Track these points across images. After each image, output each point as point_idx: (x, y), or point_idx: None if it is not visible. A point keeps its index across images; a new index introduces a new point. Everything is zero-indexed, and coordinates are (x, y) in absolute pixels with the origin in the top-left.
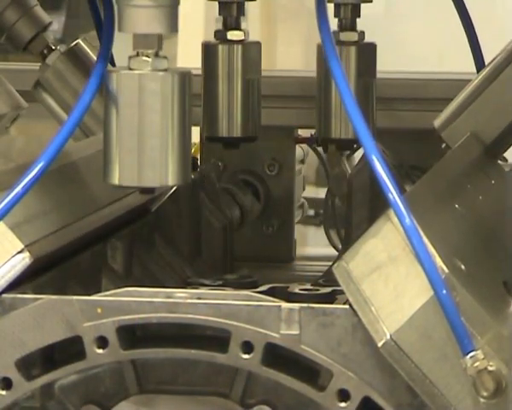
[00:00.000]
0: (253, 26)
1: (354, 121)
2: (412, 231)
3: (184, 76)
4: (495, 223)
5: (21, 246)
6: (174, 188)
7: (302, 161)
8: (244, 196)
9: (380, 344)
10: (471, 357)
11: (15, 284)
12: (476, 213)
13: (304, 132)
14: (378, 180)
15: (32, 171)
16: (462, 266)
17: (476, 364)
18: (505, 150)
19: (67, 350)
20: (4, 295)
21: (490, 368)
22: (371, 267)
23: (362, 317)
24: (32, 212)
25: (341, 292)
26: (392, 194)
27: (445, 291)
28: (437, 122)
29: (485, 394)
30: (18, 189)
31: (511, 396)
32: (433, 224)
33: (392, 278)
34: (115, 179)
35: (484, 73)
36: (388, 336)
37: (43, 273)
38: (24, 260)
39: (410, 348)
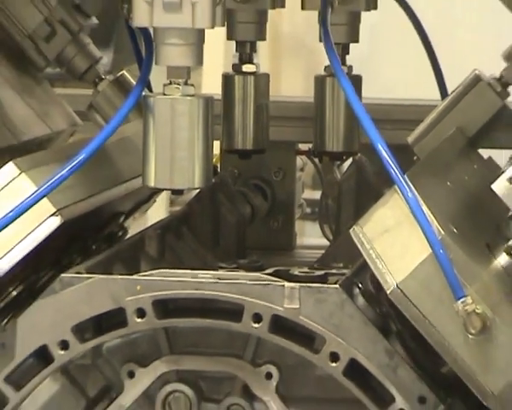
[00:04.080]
0: (262, 60)
1: (362, 120)
2: (414, 202)
3: (208, 100)
4: (478, 197)
5: (54, 210)
6: (198, 190)
7: (302, 169)
8: (255, 197)
9: (388, 291)
10: (462, 302)
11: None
12: (464, 189)
13: (303, 146)
14: (384, 163)
15: (75, 160)
16: (455, 230)
17: (466, 307)
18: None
19: (113, 319)
20: (63, 275)
21: (477, 311)
22: (381, 230)
23: (374, 270)
24: (64, 183)
25: (333, 274)
26: (397, 173)
27: (441, 250)
28: (410, 139)
29: (473, 331)
30: (63, 172)
31: (494, 334)
32: (431, 196)
33: (398, 239)
34: (152, 182)
35: (447, 100)
36: (395, 285)
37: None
38: (56, 221)
39: (413, 295)
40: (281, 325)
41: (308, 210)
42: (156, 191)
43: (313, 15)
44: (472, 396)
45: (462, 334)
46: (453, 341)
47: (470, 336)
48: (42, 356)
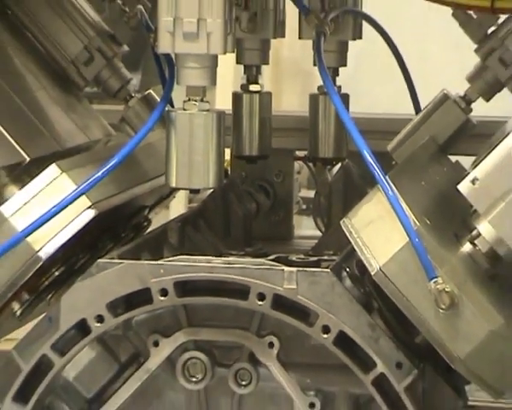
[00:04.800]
0: (266, 81)
1: (351, 130)
2: (393, 198)
3: (220, 114)
4: (448, 195)
5: (89, 203)
6: (212, 189)
7: (298, 172)
8: (259, 196)
9: (373, 273)
10: (434, 282)
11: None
12: (435, 188)
13: (300, 153)
14: (368, 167)
15: (109, 163)
16: (428, 222)
17: (437, 286)
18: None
19: (140, 297)
20: (99, 260)
21: (447, 289)
22: (366, 222)
23: (360, 255)
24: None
25: (324, 260)
26: (379, 174)
27: (417, 239)
28: (390, 147)
29: (443, 307)
30: (98, 174)
31: (461, 309)
32: (408, 194)
33: (381, 229)
34: (173, 183)
35: (421, 114)
36: (379, 268)
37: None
38: (91, 213)
39: (394, 276)
40: (281, 303)
41: (304, 206)
42: (175, 190)
43: (309, 43)
44: (441, 362)
45: (434, 309)
46: (426, 314)
47: (441, 311)
48: (81, 328)
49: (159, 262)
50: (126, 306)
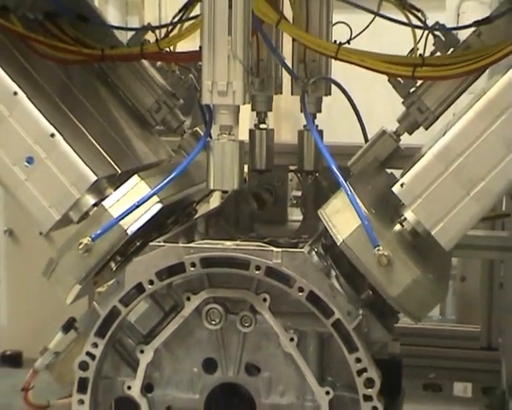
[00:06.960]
0: (270, 122)
1: (324, 153)
2: (352, 196)
3: (241, 143)
4: (385, 194)
5: (157, 200)
6: (227, 194)
7: (291, 180)
8: (266, 194)
9: (338, 244)
10: (377, 249)
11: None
12: (378, 190)
13: (292, 167)
14: (335, 176)
15: (171, 175)
16: (373, 211)
17: (379, 252)
18: (387, 166)
19: (177, 268)
20: (151, 243)
21: (385, 254)
22: (335, 211)
23: (330, 232)
24: None
25: (302, 242)
26: (342, 180)
27: (366, 222)
28: (349, 163)
29: (383, 265)
30: (164, 182)
31: (394, 266)
32: (361, 193)
33: (344, 216)
34: (211, 186)
35: (368, 143)
36: (342, 241)
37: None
38: (158, 206)
39: (352, 246)
40: (271, 272)
41: (294, 201)
42: (213, 191)
43: (297, 98)
44: (377, 311)
45: (377, 266)
46: (373, 269)
47: (382, 267)
48: (139, 288)
49: (190, 245)
50: (168, 274)
